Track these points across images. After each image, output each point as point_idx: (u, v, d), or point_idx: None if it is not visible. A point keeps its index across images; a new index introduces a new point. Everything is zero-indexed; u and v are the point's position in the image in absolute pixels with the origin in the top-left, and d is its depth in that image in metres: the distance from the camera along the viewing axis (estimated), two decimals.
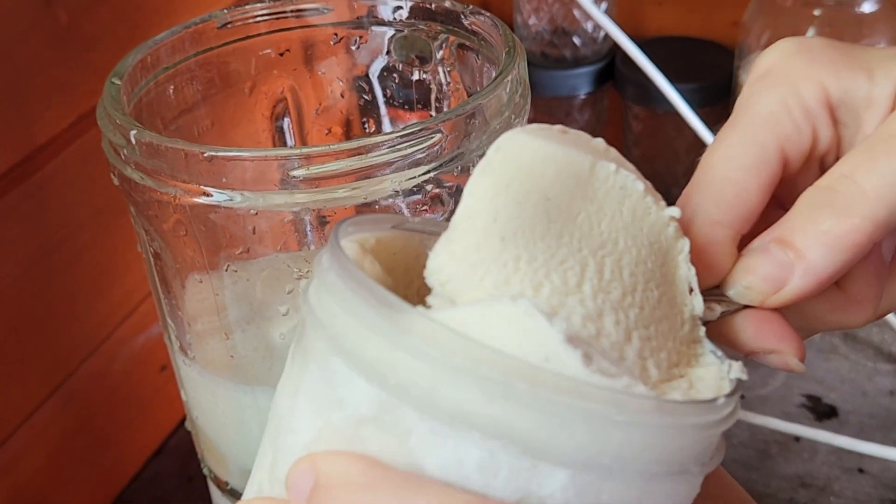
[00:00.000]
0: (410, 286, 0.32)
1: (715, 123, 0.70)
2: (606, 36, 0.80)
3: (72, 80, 0.54)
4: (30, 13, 0.50)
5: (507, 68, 0.39)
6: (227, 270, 0.40)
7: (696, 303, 0.31)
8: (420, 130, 0.36)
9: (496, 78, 0.39)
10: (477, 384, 0.24)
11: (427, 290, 0.28)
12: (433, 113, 0.49)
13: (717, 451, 0.28)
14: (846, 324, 0.33)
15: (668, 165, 0.80)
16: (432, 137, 0.37)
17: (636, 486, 0.25)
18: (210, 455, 0.47)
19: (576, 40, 0.80)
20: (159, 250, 0.41)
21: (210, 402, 0.44)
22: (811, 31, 0.72)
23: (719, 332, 0.31)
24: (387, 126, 0.51)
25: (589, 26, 0.80)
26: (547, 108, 0.80)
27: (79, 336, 0.57)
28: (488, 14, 0.44)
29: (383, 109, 0.50)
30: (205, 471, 0.49)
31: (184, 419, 0.65)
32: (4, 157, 0.50)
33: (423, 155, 0.37)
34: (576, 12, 0.79)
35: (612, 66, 0.80)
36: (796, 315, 0.32)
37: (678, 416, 0.25)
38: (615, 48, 0.80)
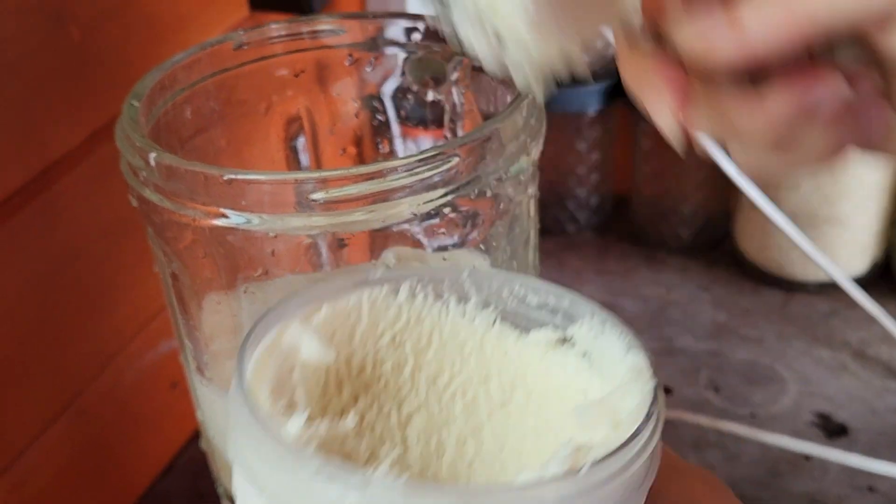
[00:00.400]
0: (351, 359, 0.34)
1: None
2: (616, 52, 0.80)
3: (84, 96, 0.54)
4: (42, 30, 0.51)
5: (521, 93, 0.40)
6: (244, 292, 0.40)
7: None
8: (437, 155, 0.37)
9: (512, 102, 0.39)
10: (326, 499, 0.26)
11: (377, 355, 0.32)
12: (447, 133, 0.49)
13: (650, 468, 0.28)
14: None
15: (678, 182, 0.80)
16: (449, 161, 0.37)
17: None
18: (226, 475, 0.47)
19: (587, 57, 0.80)
20: (177, 271, 0.42)
21: (225, 421, 0.44)
22: None
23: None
24: (400, 146, 0.51)
25: (598, 43, 0.80)
26: (557, 125, 0.80)
27: (89, 353, 0.57)
28: None
29: (397, 130, 0.50)
30: (220, 490, 0.49)
31: (194, 437, 0.65)
32: (17, 173, 0.50)
33: (440, 179, 0.37)
34: None
35: (618, 82, 0.80)
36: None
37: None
38: None
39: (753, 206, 0.71)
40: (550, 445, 0.32)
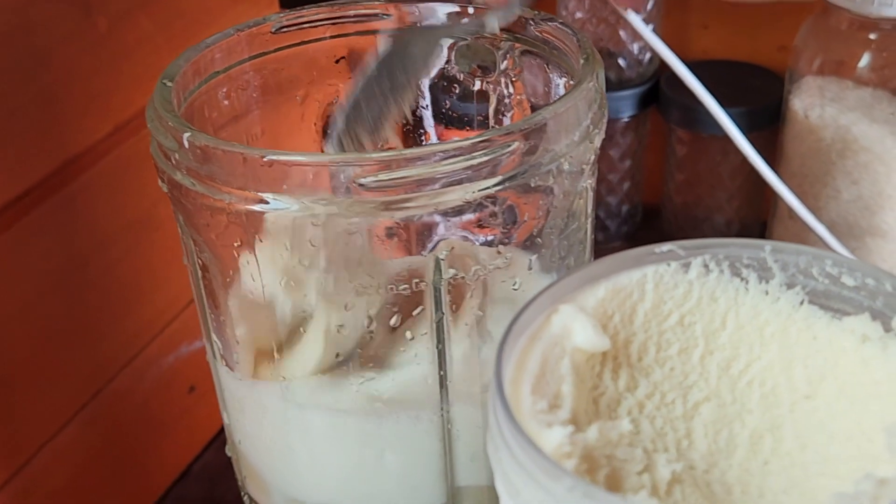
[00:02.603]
0: (630, 342, 0.31)
1: (763, 148, 0.68)
2: (651, 58, 0.78)
3: (109, 88, 0.53)
4: (69, 20, 0.49)
5: (585, 76, 0.37)
6: (281, 283, 0.38)
7: None
8: (494, 139, 0.34)
9: (575, 86, 0.37)
10: None
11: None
12: (493, 125, 0.46)
13: None
14: None
15: (712, 190, 0.78)
16: (508, 147, 0.34)
17: None
18: (252, 482, 0.45)
19: (621, 62, 0.78)
20: (207, 262, 0.39)
21: (256, 422, 0.41)
22: (866, 56, 0.70)
23: None
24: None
25: (635, 48, 0.78)
26: None
27: (107, 353, 0.55)
28: (560, 21, 0.42)
29: (441, 122, 0.48)
30: (245, 498, 0.46)
31: (211, 442, 0.63)
32: (39, 166, 0.48)
33: (496, 165, 0.34)
34: (622, 33, 0.77)
35: (657, 88, 0.78)
36: None
37: None
38: (660, 70, 0.78)
39: (790, 216, 0.69)
40: (859, 456, 0.28)
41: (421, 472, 0.40)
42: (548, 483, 0.24)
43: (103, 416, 0.55)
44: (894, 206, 0.69)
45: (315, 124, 0.46)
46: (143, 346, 0.58)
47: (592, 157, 0.38)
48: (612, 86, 0.77)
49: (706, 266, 0.31)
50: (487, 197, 0.35)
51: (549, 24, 0.42)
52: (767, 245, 0.31)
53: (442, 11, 0.45)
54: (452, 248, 0.36)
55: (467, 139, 0.34)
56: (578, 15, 0.77)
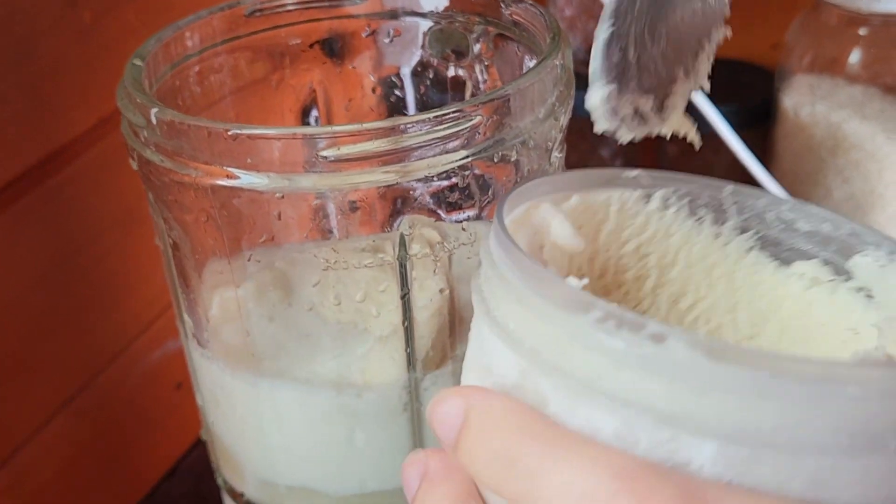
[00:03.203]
0: (594, 259, 0.32)
1: (755, 146, 0.68)
2: None
3: (94, 81, 0.53)
4: (53, 12, 0.49)
5: (551, 53, 0.37)
6: (249, 260, 0.38)
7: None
8: (457, 111, 0.34)
9: (540, 61, 0.37)
10: (605, 352, 0.23)
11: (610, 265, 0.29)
12: None
13: None
14: None
15: None
16: (471, 120, 0.34)
17: (808, 462, 0.22)
18: (225, 464, 0.45)
19: None
20: (178, 240, 0.39)
21: (228, 401, 0.41)
22: (856, 52, 0.70)
23: None
24: None
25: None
26: (580, 129, 0.78)
27: (93, 349, 0.55)
28: (530, 2, 0.42)
29: (416, 107, 0.48)
30: (219, 482, 0.46)
31: (199, 439, 0.63)
32: (23, 157, 0.48)
33: (460, 138, 0.35)
34: None
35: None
36: None
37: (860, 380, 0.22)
38: None
39: None
40: None
41: (390, 449, 0.40)
42: (571, 320, 0.23)
43: (90, 411, 0.55)
44: (885, 204, 0.69)
45: (290, 109, 0.47)
46: (131, 340, 0.58)
47: (559, 136, 0.38)
48: None
49: (666, 200, 0.32)
50: (451, 171, 0.35)
51: (519, 5, 0.42)
52: (729, 186, 0.31)
53: None
54: (417, 223, 0.36)
55: (429, 112, 0.34)
56: (567, 12, 0.77)
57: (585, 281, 0.25)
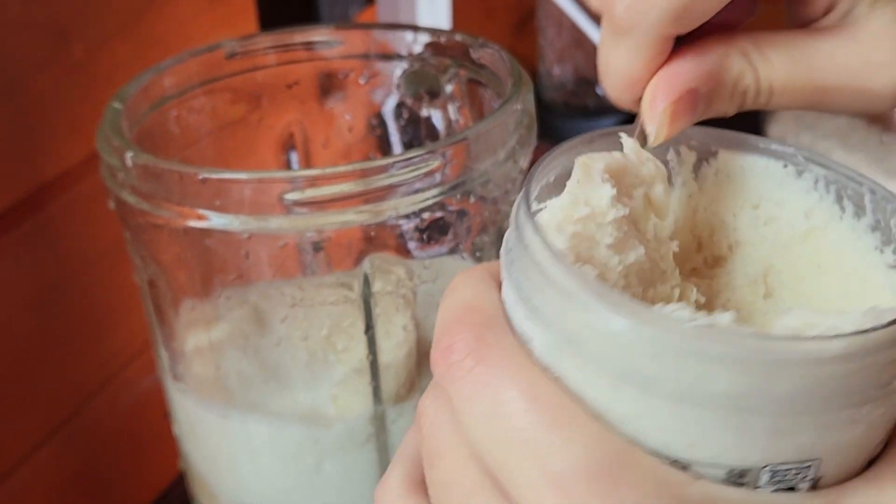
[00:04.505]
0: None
1: None
2: None
3: (85, 116, 0.53)
4: (44, 47, 0.50)
5: (511, 98, 0.39)
6: (220, 297, 0.39)
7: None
8: (419, 156, 0.36)
9: (500, 106, 0.38)
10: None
11: None
12: None
13: None
14: None
15: None
16: (432, 163, 0.36)
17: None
18: (201, 492, 0.46)
19: (598, 90, 0.79)
20: (154, 277, 0.41)
21: (202, 433, 0.43)
22: None
23: None
24: None
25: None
26: None
27: (82, 377, 0.55)
28: (496, 46, 0.43)
29: (395, 146, 0.49)
30: None
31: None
32: (14, 190, 0.49)
33: (424, 181, 0.36)
34: None
35: (635, 115, 0.79)
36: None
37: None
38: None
39: None
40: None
41: (358, 478, 0.41)
42: (588, 303, 0.24)
43: (79, 439, 0.55)
44: None
45: (269, 149, 0.48)
46: (119, 369, 0.58)
47: (520, 178, 0.40)
48: (590, 113, 0.79)
49: (815, 182, 0.31)
50: (413, 213, 0.36)
51: (486, 49, 0.43)
52: (869, 181, 0.31)
53: (397, 38, 0.47)
54: (381, 262, 0.37)
55: (389, 158, 0.35)
56: (557, 44, 0.79)
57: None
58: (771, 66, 0.29)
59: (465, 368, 0.25)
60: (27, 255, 0.50)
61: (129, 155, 0.37)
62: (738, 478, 0.25)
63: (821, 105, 0.30)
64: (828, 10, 0.29)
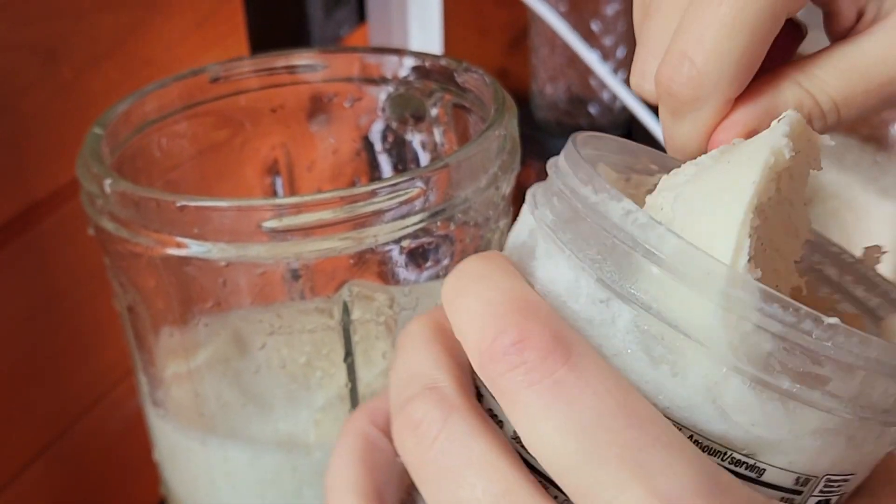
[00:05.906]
0: None
1: None
2: (623, 106, 0.80)
3: (73, 136, 0.53)
4: (34, 68, 0.50)
5: (494, 123, 0.38)
6: (199, 324, 0.39)
7: None
8: (402, 182, 0.35)
9: (483, 132, 0.38)
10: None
11: None
12: None
13: None
14: None
15: None
16: (412, 190, 0.36)
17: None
18: None
19: (591, 109, 0.79)
20: (133, 303, 0.40)
21: (181, 459, 0.43)
22: None
23: None
24: None
25: (606, 95, 0.79)
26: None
27: (71, 396, 0.55)
28: (481, 71, 0.43)
29: (382, 170, 0.49)
30: None
31: None
32: (2, 209, 0.49)
33: (405, 208, 0.36)
34: (592, 81, 0.78)
35: (629, 135, 0.79)
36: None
37: None
38: (632, 118, 0.79)
39: None
40: None
41: None
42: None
43: (67, 460, 0.55)
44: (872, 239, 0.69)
45: (253, 173, 0.48)
46: (108, 389, 0.58)
47: (502, 204, 0.40)
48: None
49: None
50: (393, 241, 0.36)
51: (471, 74, 0.43)
52: None
53: (382, 61, 0.47)
54: (361, 289, 0.37)
55: (370, 184, 0.35)
56: (550, 63, 0.79)
57: None
58: (824, 83, 0.28)
59: (546, 372, 0.23)
60: (15, 274, 0.50)
61: (107, 182, 0.37)
62: (801, 485, 0.24)
63: (893, 98, 0.30)
64: (860, 16, 0.29)
